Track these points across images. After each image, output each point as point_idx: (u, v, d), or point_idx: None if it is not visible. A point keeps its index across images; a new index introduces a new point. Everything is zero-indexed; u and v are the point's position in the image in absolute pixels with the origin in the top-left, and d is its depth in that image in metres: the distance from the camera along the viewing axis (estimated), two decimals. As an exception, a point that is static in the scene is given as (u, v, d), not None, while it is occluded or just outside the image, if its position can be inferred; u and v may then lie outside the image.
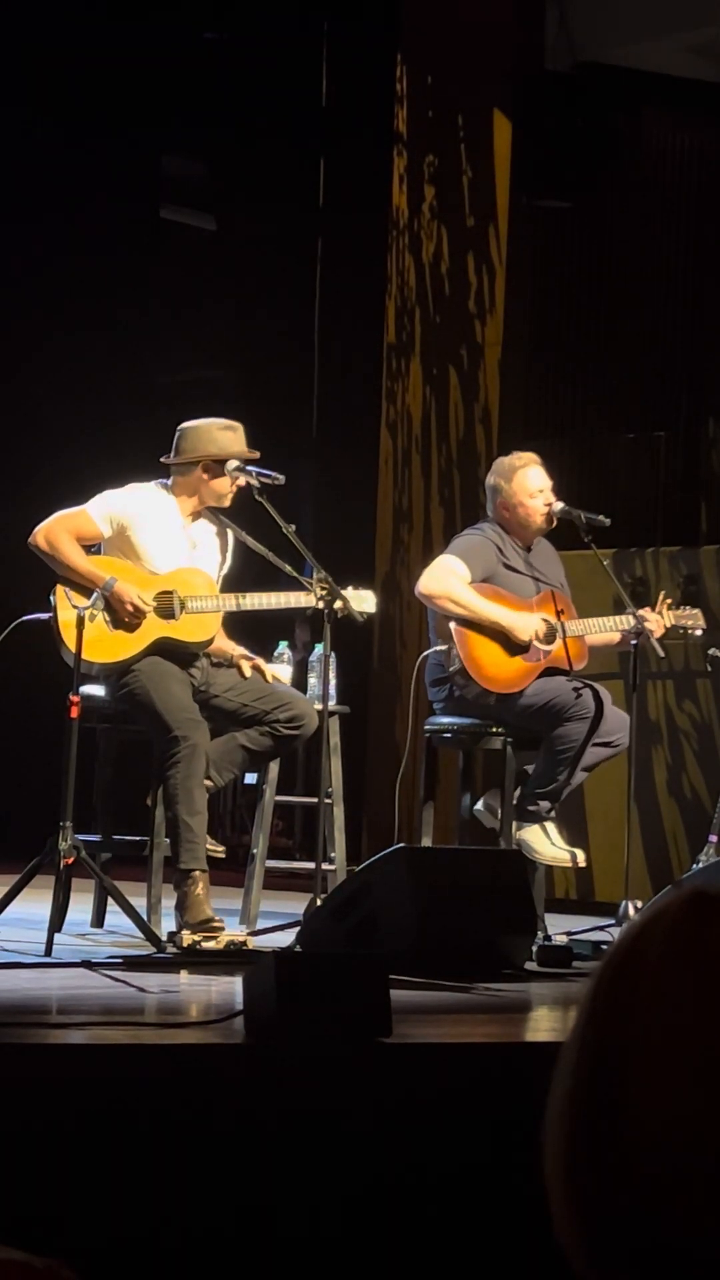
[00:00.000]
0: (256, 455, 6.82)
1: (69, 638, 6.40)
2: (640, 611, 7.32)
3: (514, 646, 7.22)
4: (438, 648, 7.37)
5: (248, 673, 6.77)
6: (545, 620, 7.29)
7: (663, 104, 9.96)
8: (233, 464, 6.79)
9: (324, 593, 6.67)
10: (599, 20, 9.92)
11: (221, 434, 6.81)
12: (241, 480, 6.76)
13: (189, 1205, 3.84)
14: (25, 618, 6.54)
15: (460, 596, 7.22)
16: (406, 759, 7.74)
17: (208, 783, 6.63)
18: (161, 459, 6.84)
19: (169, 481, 6.84)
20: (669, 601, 7.47)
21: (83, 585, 6.56)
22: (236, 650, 6.84)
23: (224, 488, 6.79)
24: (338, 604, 6.68)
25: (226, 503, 6.84)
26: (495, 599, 7.27)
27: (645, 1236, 1.31)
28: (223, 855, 6.84)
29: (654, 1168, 1.30)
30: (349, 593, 6.76)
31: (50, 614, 6.55)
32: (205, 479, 6.79)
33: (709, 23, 9.65)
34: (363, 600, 6.85)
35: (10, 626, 6.48)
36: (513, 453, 7.62)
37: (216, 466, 6.78)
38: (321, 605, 6.69)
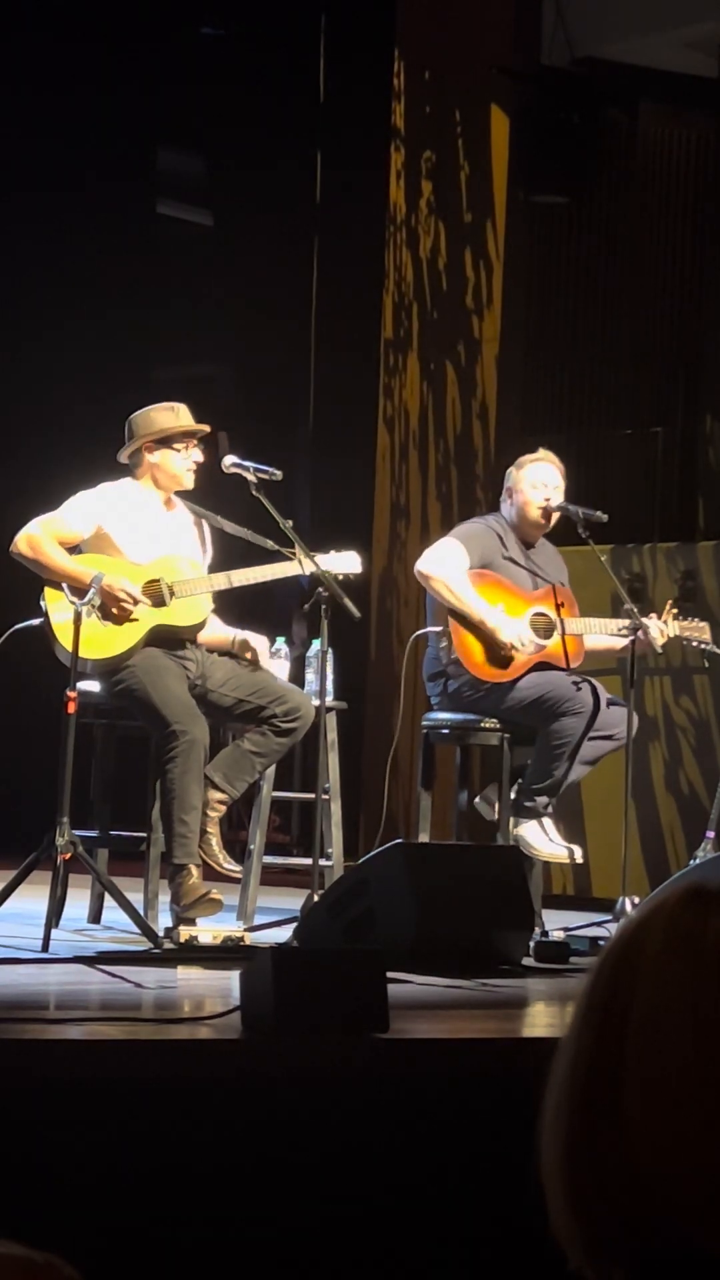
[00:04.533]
0: (202, 429, 6.82)
1: (63, 637, 6.41)
2: (644, 620, 7.27)
3: (496, 648, 7.21)
4: (433, 628, 7.37)
5: (249, 655, 6.77)
6: (543, 614, 7.28)
7: (659, 99, 9.96)
8: (230, 460, 6.80)
9: (307, 559, 6.66)
10: (596, 15, 9.92)
11: (160, 414, 6.83)
12: (197, 454, 6.77)
13: (186, 1201, 3.84)
14: (18, 626, 6.55)
15: (455, 586, 7.22)
16: (394, 749, 7.74)
17: (221, 795, 6.63)
18: (118, 455, 6.87)
19: (134, 477, 6.87)
20: (674, 611, 7.43)
21: (70, 584, 6.56)
22: (235, 638, 6.83)
23: (174, 465, 6.80)
24: (311, 567, 6.65)
25: (186, 483, 6.83)
26: (496, 586, 7.26)
27: (642, 1231, 1.31)
28: (238, 878, 6.86)
29: (651, 1163, 1.30)
30: (331, 556, 6.77)
31: (42, 618, 6.55)
32: (154, 463, 6.80)
33: (705, 18, 9.65)
34: (345, 562, 6.84)
35: (4, 636, 6.49)
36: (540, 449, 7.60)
37: (157, 445, 6.80)
38: (311, 570, 6.67)
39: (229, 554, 7.02)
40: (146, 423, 6.83)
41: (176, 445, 6.79)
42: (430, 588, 7.32)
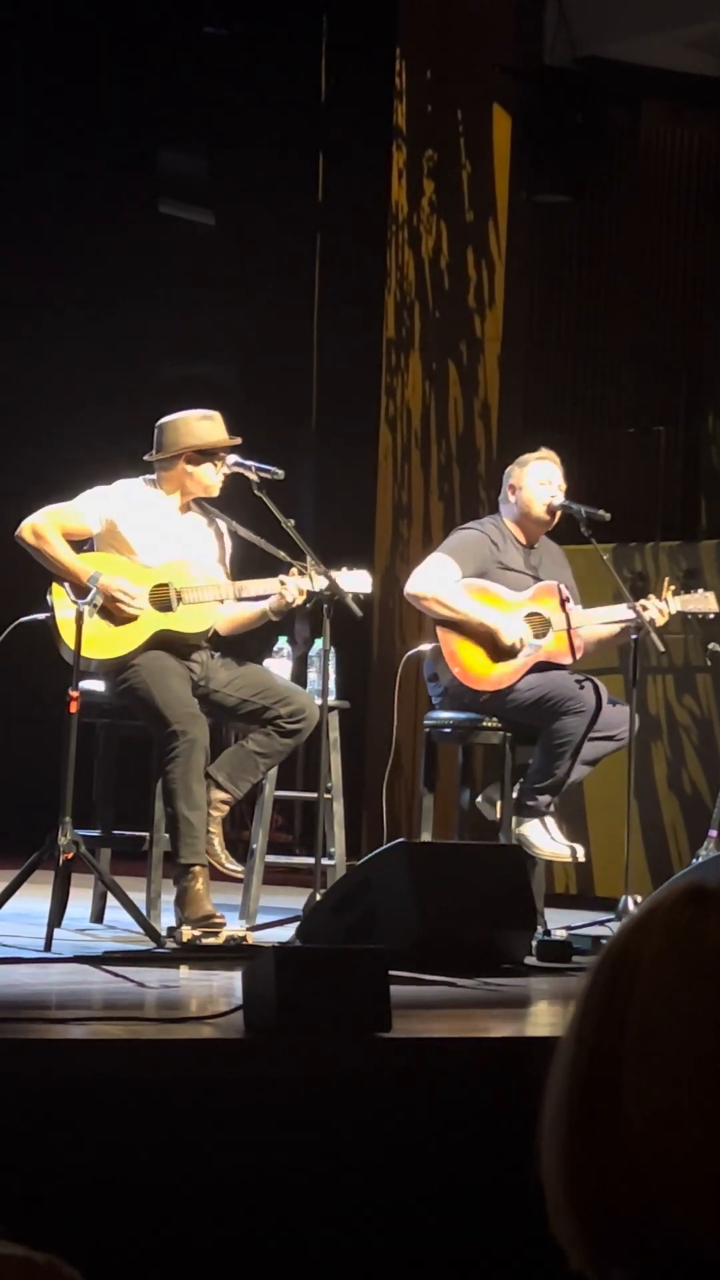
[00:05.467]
0: (238, 441, 6.82)
1: (67, 635, 6.40)
2: (643, 601, 7.23)
3: (499, 648, 7.20)
4: (424, 646, 7.37)
5: (289, 594, 6.66)
6: (537, 613, 7.27)
7: (662, 98, 9.96)
8: (232, 459, 6.79)
9: (319, 575, 6.65)
10: (598, 15, 9.91)
11: (200, 424, 6.81)
12: (230, 468, 6.76)
13: (188, 1200, 3.84)
14: (23, 619, 6.54)
15: (447, 599, 7.20)
16: (394, 754, 7.74)
17: (224, 795, 6.63)
18: (145, 457, 6.85)
19: (155, 477, 6.85)
20: (674, 588, 7.39)
21: (68, 580, 6.56)
22: (268, 604, 6.76)
23: (210, 477, 6.79)
24: (330, 587, 6.64)
25: (215, 491, 6.83)
26: (485, 595, 7.25)
27: (642, 1232, 1.31)
28: (241, 878, 6.85)
29: (651, 1163, 1.30)
30: (343, 574, 6.75)
31: (48, 614, 6.55)
32: (189, 471, 6.79)
33: (707, 17, 9.64)
34: (357, 580, 6.83)
35: (9, 628, 6.48)
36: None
37: (198, 457, 6.79)
38: (319, 589, 6.66)
39: (234, 561, 7.01)
40: (189, 432, 6.79)
41: (216, 458, 6.79)
42: (423, 608, 7.30)
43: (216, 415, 6.84)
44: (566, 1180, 1.33)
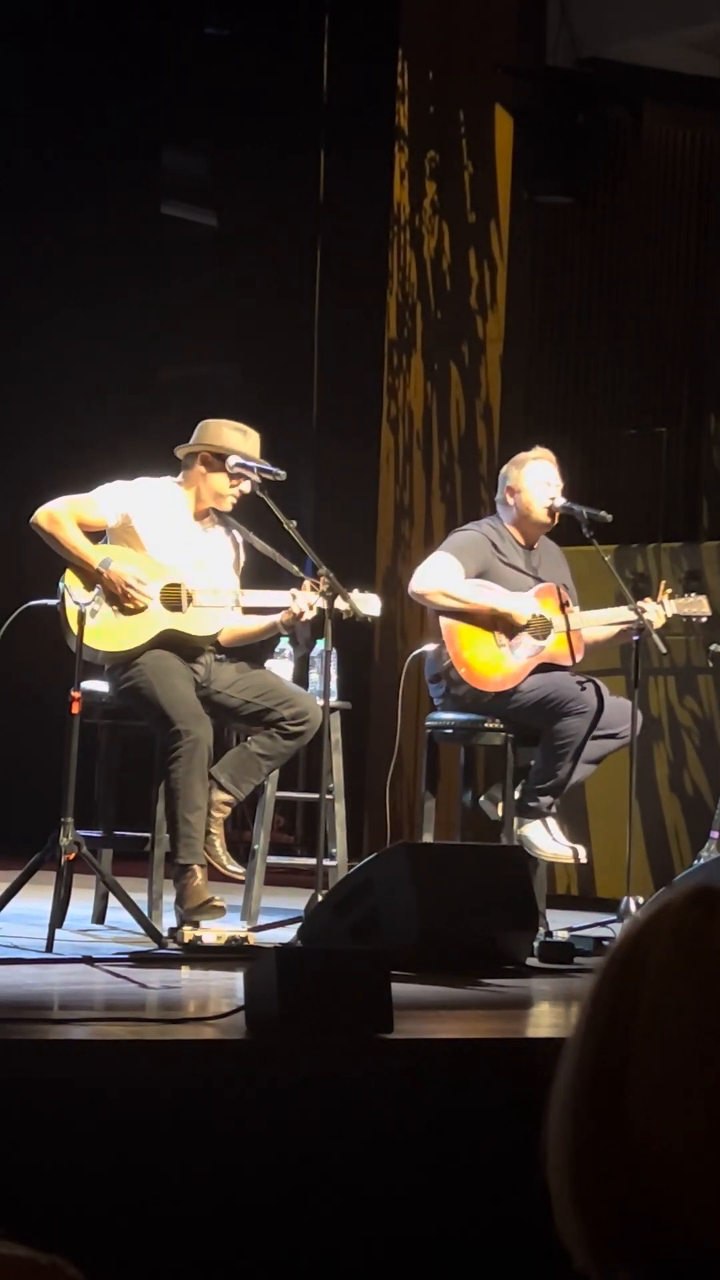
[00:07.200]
0: (252, 454, 6.80)
1: (76, 624, 6.40)
2: (640, 603, 7.25)
3: (514, 628, 7.19)
4: (427, 646, 7.37)
5: (298, 607, 6.66)
6: (539, 615, 7.27)
7: (664, 99, 9.95)
8: (233, 460, 6.78)
9: (327, 589, 6.66)
10: (600, 15, 9.91)
11: (229, 432, 6.82)
12: (246, 486, 6.76)
13: (190, 1201, 3.84)
14: (32, 603, 6.54)
15: (453, 590, 7.21)
16: (396, 755, 7.74)
17: (227, 796, 6.63)
18: (175, 449, 6.86)
19: (180, 478, 6.86)
20: (669, 591, 7.40)
21: (79, 567, 6.57)
22: (271, 619, 6.77)
23: (221, 486, 6.78)
24: (342, 605, 6.66)
25: (225, 505, 6.82)
26: (491, 594, 7.25)
27: (648, 1232, 1.31)
28: (241, 879, 6.85)
29: (656, 1164, 1.30)
30: (354, 595, 6.75)
31: (58, 600, 6.54)
32: (204, 473, 6.80)
33: (709, 18, 9.64)
34: (367, 603, 6.83)
35: (17, 611, 6.48)
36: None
37: (215, 462, 6.79)
38: (323, 603, 6.67)
39: (250, 565, 7.01)
40: (213, 434, 6.81)
41: (232, 469, 6.77)
42: (429, 603, 7.30)
43: (251, 432, 6.83)
44: (572, 1181, 1.33)
